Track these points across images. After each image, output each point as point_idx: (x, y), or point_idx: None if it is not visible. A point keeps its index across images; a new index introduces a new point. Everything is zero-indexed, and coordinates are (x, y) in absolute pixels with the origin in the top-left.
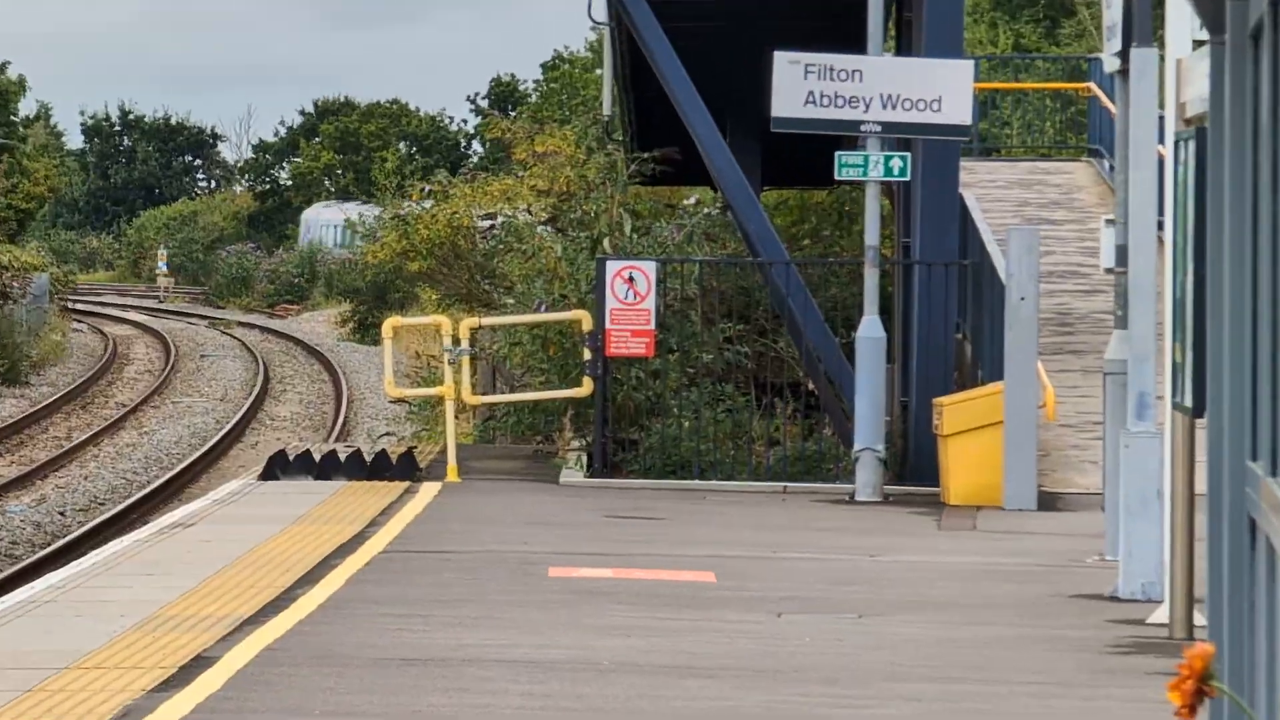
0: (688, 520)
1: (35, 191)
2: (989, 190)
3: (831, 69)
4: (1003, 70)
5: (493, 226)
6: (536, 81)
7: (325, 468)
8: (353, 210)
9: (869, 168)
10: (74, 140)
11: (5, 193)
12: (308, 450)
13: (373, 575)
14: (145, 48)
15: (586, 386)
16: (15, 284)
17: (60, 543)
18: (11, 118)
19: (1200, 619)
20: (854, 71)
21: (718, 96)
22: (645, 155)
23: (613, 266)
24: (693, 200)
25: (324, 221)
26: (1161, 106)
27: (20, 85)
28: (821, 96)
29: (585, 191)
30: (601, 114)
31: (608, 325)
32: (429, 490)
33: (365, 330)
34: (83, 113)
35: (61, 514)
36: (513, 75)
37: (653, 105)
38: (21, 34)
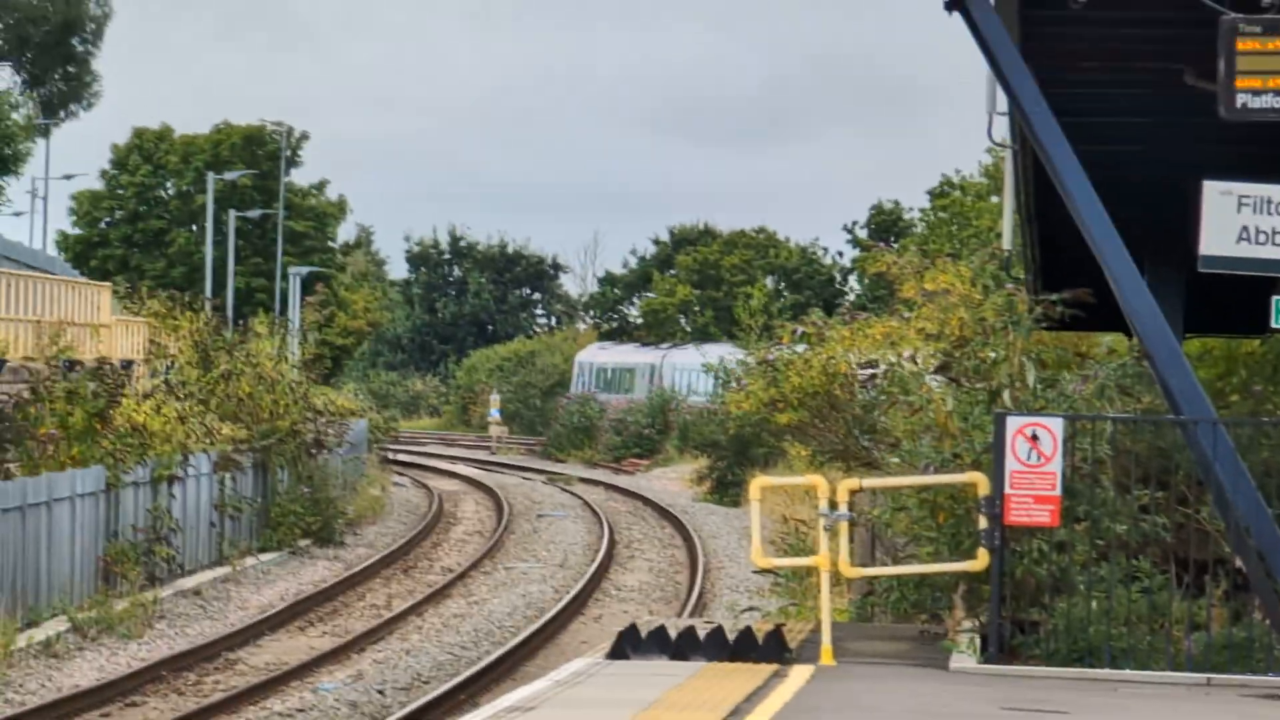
0: (1096, 714)
1: (354, 326)
2: None
3: (1270, 201)
4: None
5: (874, 375)
6: (923, 210)
7: (682, 646)
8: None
9: None
10: (397, 269)
11: (320, 327)
12: (662, 626)
13: None
14: (477, 165)
15: (981, 559)
16: (330, 431)
17: None
18: (329, 243)
19: None
20: None
21: (1135, 230)
22: (1052, 296)
23: (1014, 423)
24: (1105, 349)
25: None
26: None
27: (340, 207)
28: (1257, 232)
29: (982, 336)
30: (1000, 248)
31: (1007, 489)
32: (800, 674)
33: (724, 489)
34: (408, 238)
35: (380, 693)
36: (896, 202)
37: (1059, 239)
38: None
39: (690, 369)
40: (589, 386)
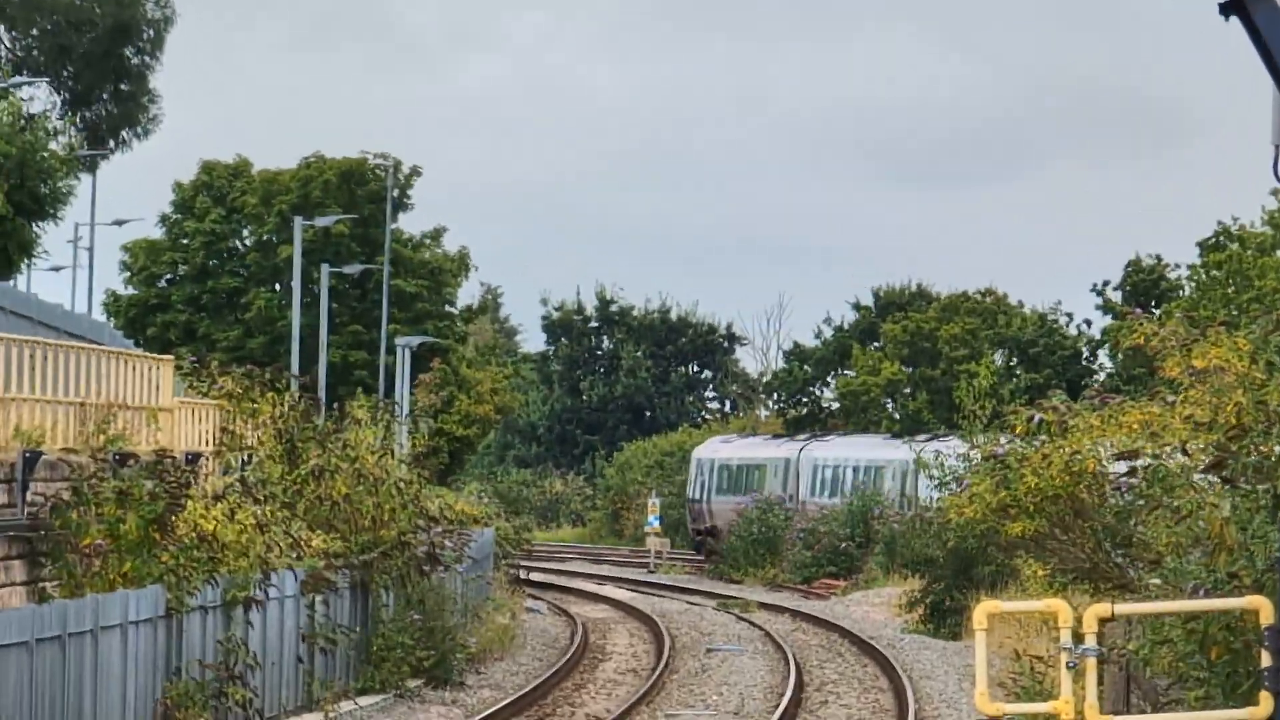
0: None
1: (477, 412)
2: None
3: None
4: None
5: (1130, 474)
6: (1191, 267)
7: None
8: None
9: None
10: (533, 340)
11: (436, 413)
12: None
13: None
14: (631, 213)
15: (1265, 706)
16: (447, 544)
17: None
18: (447, 307)
19: None
20: None
21: None
22: None
23: None
24: None
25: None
26: None
27: (460, 262)
28: None
29: (1265, 424)
30: None
31: None
32: None
33: (942, 618)
34: (545, 302)
35: None
36: (1158, 257)
37: None
38: (462, 181)
39: (836, 463)
40: (708, 489)
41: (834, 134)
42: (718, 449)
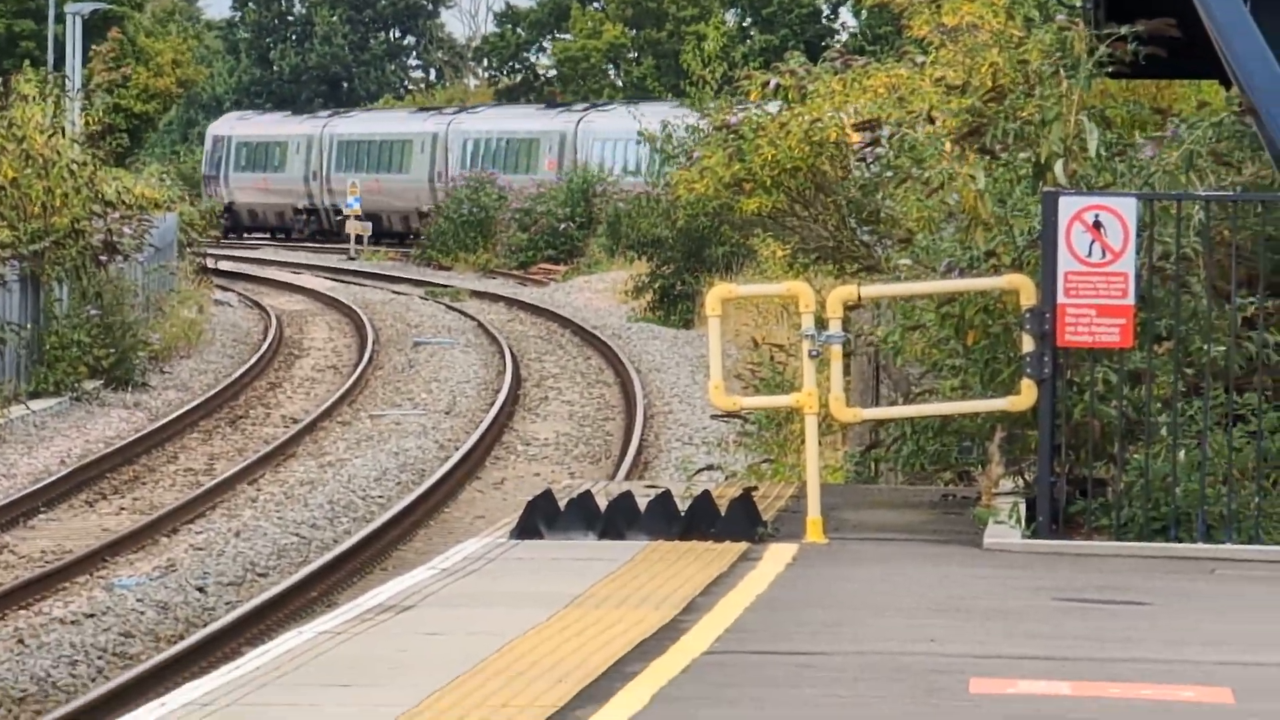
0: (1186, 605)
1: (158, 86)
2: None
3: None
4: None
5: (875, 143)
6: None
7: (615, 519)
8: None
9: None
10: (218, 5)
11: (112, 87)
12: (588, 492)
13: (692, 690)
14: None
15: (1027, 395)
16: (127, 231)
17: (200, 634)
18: None
19: None
20: None
21: None
22: (1122, 30)
23: (1070, 206)
24: (1194, 103)
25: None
26: None
27: None
28: None
29: (1024, 87)
30: None
31: (1060, 299)
32: (778, 556)
33: (672, 304)
34: None
35: (201, 590)
36: None
37: None
38: None
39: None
40: (226, 169)
41: None
42: (235, 126)
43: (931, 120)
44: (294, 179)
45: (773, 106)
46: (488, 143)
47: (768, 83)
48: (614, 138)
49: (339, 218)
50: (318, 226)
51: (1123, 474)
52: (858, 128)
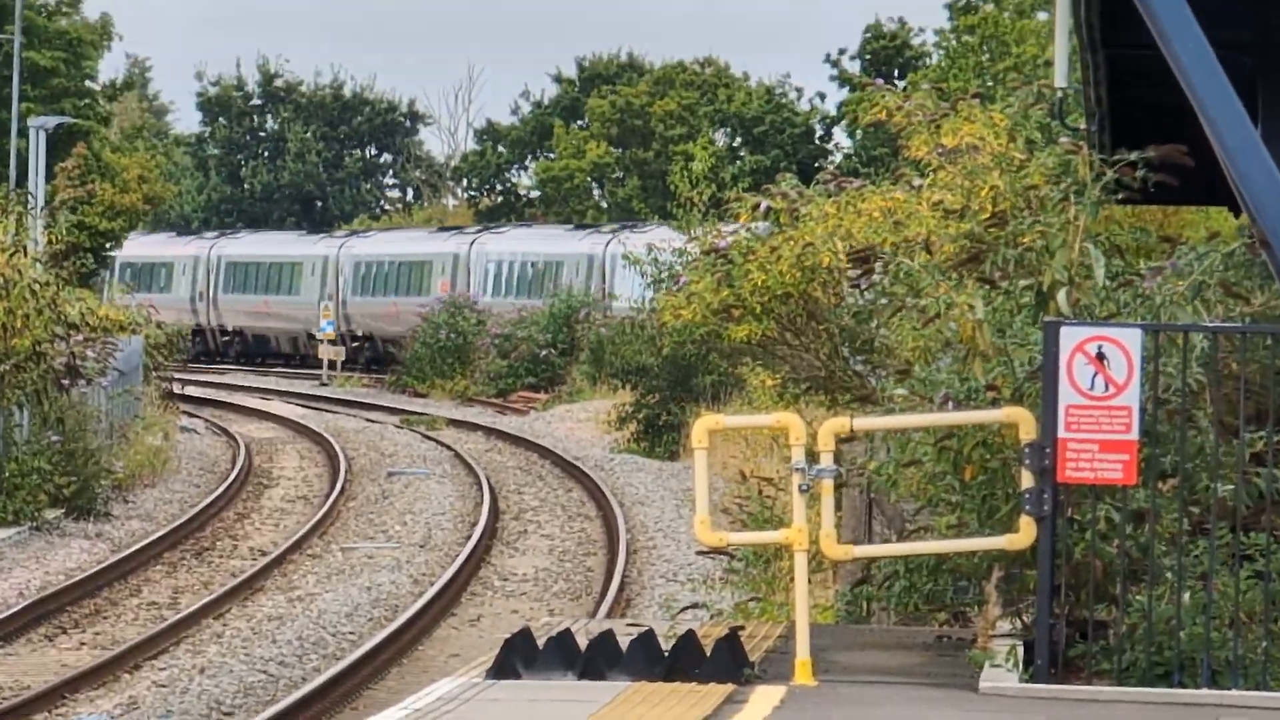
0: None
1: (124, 203)
2: None
3: None
4: None
5: (870, 270)
6: (940, 32)
7: (595, 659)
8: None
9: None
10: (187, 120)
11: (77, 205)
12: (567, 630)
13: None
14: None
15: (1026, 533)
16: (90, 353)
17: None
18: (88, 82)
19: None
20: None
21: (1246, 63)
22: (1130, 156)
23: (1072, 336)
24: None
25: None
26: None
27: (102, 31)
28: None
29: (1027, 213)
30: (1050, 85)
31: (1061, 433)
32: (766, 699)
33: (657, 435)
34: (200, 76)
35: None
36: (901, 21)
37: (1136, 73)
38: None
39: (511, 259)
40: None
41: None
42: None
43: (929, 249)
44: (180, 299)
45: (762, 227)
46: (379, 265)
47: (758, 205)
48: (507, 259)
49: (223, 338)
50: (204, 348)
51: (1125, 616)
52: (853, 258)
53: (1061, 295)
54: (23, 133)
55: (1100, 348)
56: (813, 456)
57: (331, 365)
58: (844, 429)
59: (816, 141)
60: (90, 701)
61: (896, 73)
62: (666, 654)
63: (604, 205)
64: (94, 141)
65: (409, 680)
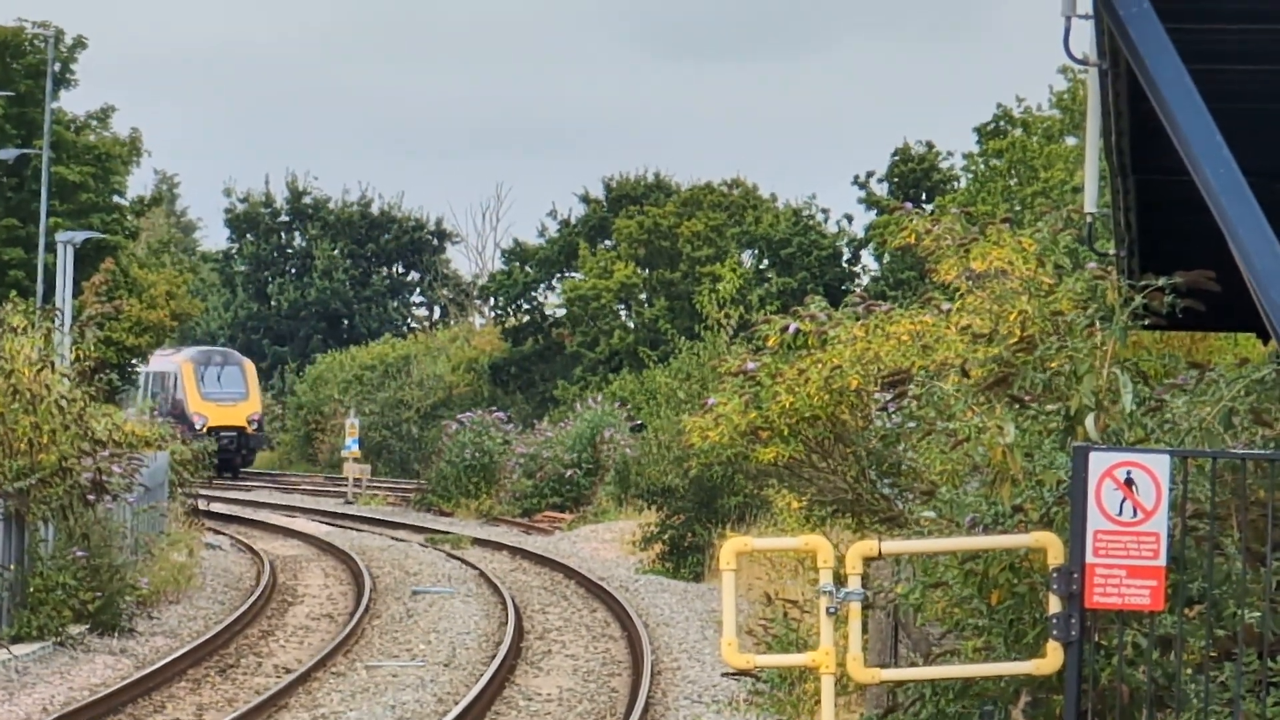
0: None
1: (151, 319)
2: None
3: None
4: None
5: (899, 393)
6: (969, 156)
7: None
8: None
9: None
10: (214, 237)
11: (104, 320)
12: None
13: None
14: (329, 91)
15: (1053, 658)
16: (116, 469)
17: None
18: (116, 197)
19: None
20: None
21: (1274, 187)
22: (1159, 282)
23: (1101, 462)
24: (1234, 358)
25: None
26: None
27: (131, 148)
28: None
29: (1055, 338)
30: (1080, 211)
31: (1089, 558)
32: None
33: (682, 556)
34: (228, 193)
35: None
36: (929, 145)
37: (1165, 199)
38: (135, 55)
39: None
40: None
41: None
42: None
43: (965, 373)
44: None
45: (790, 351)
46: None
47: (786, 327)
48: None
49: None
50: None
51: None
52: (886, 381)
53: (1089, 420)
54: (50, 247)
55: (1129, 473)
56: (839, 579)
57: (357, 483)
58: (872, 552)
59: (844, 264)
60: None
61: (924, 196)
62: None
63: (630, 325)
64: (121, 257)
65: None
